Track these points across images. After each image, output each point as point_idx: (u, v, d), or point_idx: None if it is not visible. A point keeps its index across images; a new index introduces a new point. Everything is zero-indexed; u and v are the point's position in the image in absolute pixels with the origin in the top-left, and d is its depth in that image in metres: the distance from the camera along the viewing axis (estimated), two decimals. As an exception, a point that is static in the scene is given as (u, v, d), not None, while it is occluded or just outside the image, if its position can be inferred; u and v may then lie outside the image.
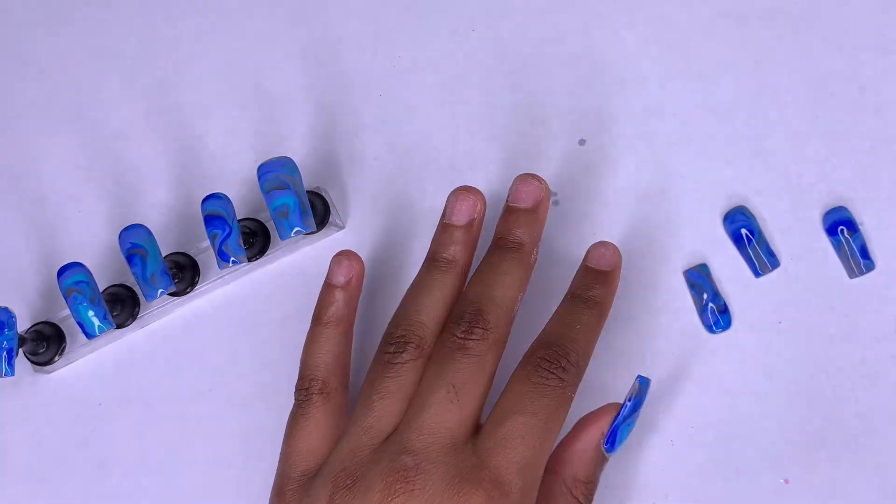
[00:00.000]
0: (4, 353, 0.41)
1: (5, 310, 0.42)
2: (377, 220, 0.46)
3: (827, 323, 0.44)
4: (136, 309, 0.45)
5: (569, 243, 0.45)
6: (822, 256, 0.45)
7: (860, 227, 0.44)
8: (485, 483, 0.36)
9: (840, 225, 0.44)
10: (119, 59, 0.49)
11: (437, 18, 0.48)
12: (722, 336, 0.44)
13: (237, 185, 0.47)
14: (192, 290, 0.45)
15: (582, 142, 0.46)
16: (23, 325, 0.46)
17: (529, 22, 0.47)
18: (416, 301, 0.40)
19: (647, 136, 0.46)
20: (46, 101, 0.49)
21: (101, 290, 0.44)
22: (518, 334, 0.41)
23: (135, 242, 0.42)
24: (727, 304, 0.44)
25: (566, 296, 0.41)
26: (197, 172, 0.47)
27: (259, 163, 0.44)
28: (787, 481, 0.43)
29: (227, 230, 0.42)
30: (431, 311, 0.40)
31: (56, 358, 0.45)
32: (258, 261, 0.45)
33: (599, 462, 0.39)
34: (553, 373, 0.38)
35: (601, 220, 0.45)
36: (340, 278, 0.42)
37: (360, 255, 0.45)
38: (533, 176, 0.42)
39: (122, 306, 0.45)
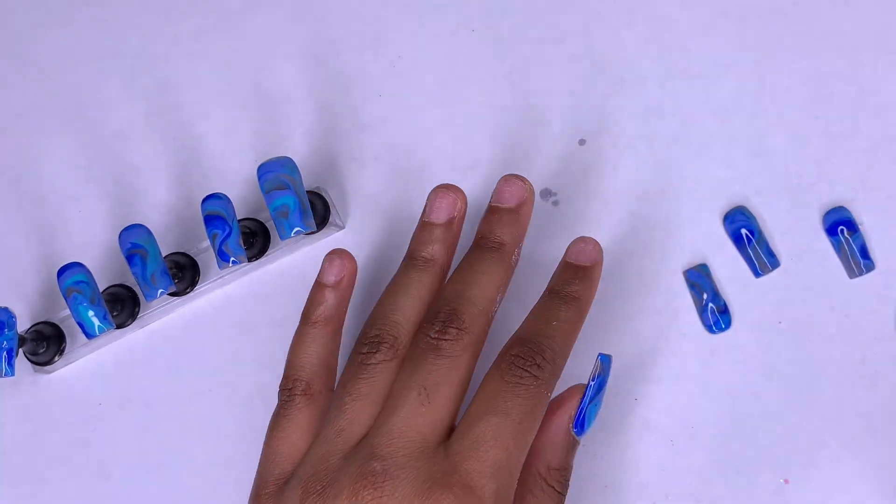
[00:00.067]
0: (4, 353, 0.41)
1: (5, 310, 0.42)
2: (377, 220, 0.46)
3: (827, 323, 0.44)
4: (136, 309, 0.45)
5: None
6: (822, 256, 0.45)
7: (860, 227, 0.44)
8: (456, 488, 0.35)
9: (840, 225, 0.44)
10: (119, 59, 0.49)
11: (437, 18, 0.48)
12: (722, 336, 0.44)
13: (237, 185, 0.47)
14: (192, 290, 0.45)
15: (582, 142, 0.46)
16: (23, 325, 0.46)
17: (529, 22, 0.48)
18: (392, 300, 0.39)
19: (647, 136, 0.46)
20: (46, 101, 0.49)
21: (101, 290, 0.44)
22: (509, 335, 0.40)
23: (135, 242, 0.42)
24: (727, 304, 0.44)
25: (545, 292, 0.40)
26: (197, 172, 0.47)
27: (259, 163, 0.44)
28: (787, 481, 0.43)
29: (227, 230, 0.42)
30: (407, 310, 0.39)
31: (56, 358, 0.45)
32: (258, 261, 0.45)
33: (571, 447, 0.38)
34: (528, 370, 0.37)
35: (601, 220, 0.45)
36: (331, 278, 0.41)
37: (359, 255, 0.45)
38: (517, 176, 0.41)
39: (122, 306, 0.45)
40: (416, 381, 0.37)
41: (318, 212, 0.45)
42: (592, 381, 0.38)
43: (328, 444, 0.37)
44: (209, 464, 0.45)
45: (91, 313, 0.42)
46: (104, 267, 0.47)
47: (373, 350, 0.38)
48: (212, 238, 0.42)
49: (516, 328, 0.40)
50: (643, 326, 0.44)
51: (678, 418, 0.44)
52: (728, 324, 0.44)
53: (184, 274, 0.45)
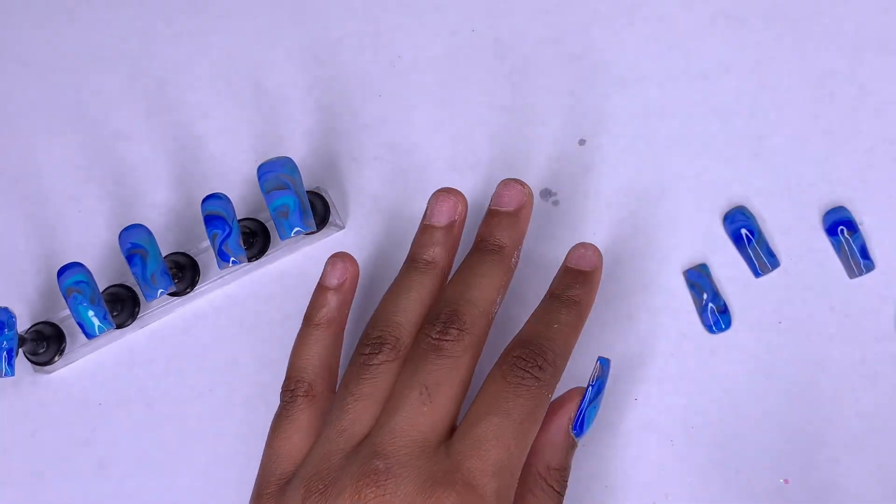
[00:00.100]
0: (4, 353, 0.41)
1: (5, 310, 0.42)
2: (377, 220, 0.46)
3: (827, 323, 0.44)
4: (136, 309, 0.45)
5: (568, 243, 0.45)
6: (822, 256, 0.45)
7: (860, 227, 0.44)
8: (458, 486, 0.35)
9: (840, 225, 0.44)
10: (119, 59, 0.49)
11: (437, 18, 0.48)
12: (722, 336, 0.44)
13: (237, 185, 0.47)
14: (192, 290, 0.45)
15: (582, 142, 0.46)
16: (23, 325, 0.46)
17: (529, 22, 0.48)
18: (394, 302, 0.40)
19: (647, 136, 0.46)
20: (46, 101, 0.49)
21: (101, 290, 0.44)
22: (510, 337, 0.40)
23: (135, 242, 0.42)
24: (727, 304, 0.44)
25: (546, 295, 0.41)
26: (197, 172, 0.47)
27: (259, 163, 0.44)
28: (787, 481, 0.43)
29: (227, 230, 0.42)
30: (409, 312, 0.39)
31: (56, 358, 0.45)
32: (258, 261, 0.45)
33: (570, 448, 0.39)
34: (529, 372, 0.37)
35: (601, 220, 0.45)
36: (334, 280, 0.42)
37: (359, 255, 0.45)
38: (516, 181, 0.42)
39: (122, 306, 0.45)
40: (418, 381, 0.37)
41: (318, 212, 0.45)
42: (592, 383, 0.39)
43: (330, 443, 0.37)
44: (209, 464, 0.45)
45: (91, 313, 0.42)
46: (104, 267, 0.47)
47: (375, 351, 0.39)
48: (212, 238, 0.42)
49: (516, 328, 0.40)
50: (643, 326, 0.45)
51: (678, 418, 0.44)
52: (728, 324, 0.44)
53: (184, 274, 0.45)
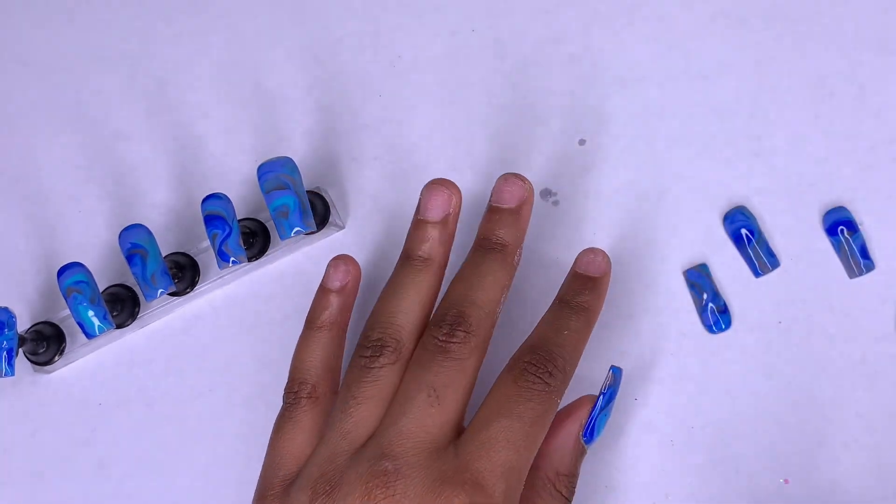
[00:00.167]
0: (4, 353, 0.41)
1: (5, 310, 0.42)
2: (377, 220, 0.46)
3: (827, 323, 0.44)
4: (136, 309, 0.45)
5: (568, 243, 0.45)
6: (822, 256, 0.45)
7: (860, 227, 0.44)
8: (467, 486, 0.35)
9: (840, 225, 0.44)
10: (119, 59, 0.49)
11: (437, 18, 0.48)
12: (722, 336, 0.44)
13: (237, 185, 0.47)
14: (192, 290, 0.45)
15: (582, 142, 0.46)
16: (23, 325, 0.46)
17: (529, 22, 0.47)
18: (392, 303, 0.40)
19: (647, 136, 0.46)
20: (46, 101, 0.49)
21: (101, 290, 0.44)
22: (511, 336, 0.41)
23: (135, 242, 0.42)
24: (727, 304, 0.44)
25: (555, 301, 0.41)
26: (197, 172, 0.47)
27: (259, 163, 0.44)
28: (787, 481, 0.43)
29: (227, 230, 0.42)
30: (408, 312, 0.39)
31: (56, 358, 0.45)
32: (258, 261, 0.45)
33: (579, 454, 0.39)
34: (539, 377, 0.37)
35: (601, 220, 0.45)
36: (336, 283, 0.42)
37: (359, 255, 0.45)
38: (516, 176, 0.41)
39: (122, 306, 0.45)
40: (425, 383, 0.37)
41: (318, 212, 0.45)
42: (603, 392, 0.39)
43: (334, 445, 0.37)
44: (209, 464, 0.45)
45: (91, 313, 0.42)
46: (104, 267, 0.47)
47: (376, 354, 0.39)
48: (212, 238, 0.42)
49: (515, 328, 0.40)
50: (643, 326, 0.45)
51: (678, 418, 0.44)
52: (728, 324, 0.44)
53: (184, 274, 0.45)
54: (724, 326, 0.44)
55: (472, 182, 0.46)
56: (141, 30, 0.49)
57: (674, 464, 0.43)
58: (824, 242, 0.45)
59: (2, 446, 0.46)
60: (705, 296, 0.44)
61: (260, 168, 0.42)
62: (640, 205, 0.45)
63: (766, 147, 0.45)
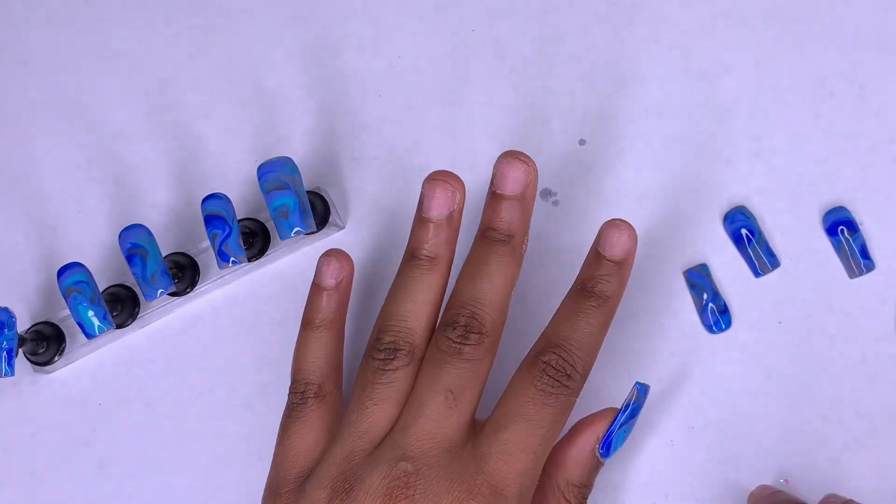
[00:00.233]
0: (4, 353, 0.41)
1: (5, 310, 0.42)
2: (377, 220, 0.46)
3: (827, 323, 0.44)
4: (136, 309, 0.45)
5: (568, 243, 0.45)
6: (822, 256, 0.45)
7: (860, 227, 0.44)
8: (483, 489, 0.36)
9: (840, 225, 0.44)
10: (119, 59, 0.49)
11: (437, 18, 0.48)
12: (722, 336, 0.44)
13: (237, 185, 0.47)
14: (192, 290, 0.45)
15: (582, 142, 0.46)
16: (23, 325, 0.46)
17: (529, 22, 0.47)
18: (402, 305, 0.39)
19: (647, 136, 0.46)
20: (46, 101, 0.49)
21: (101, 290, 0.44)
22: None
23: (135, 242, 0.42)
24: (727, 304, 0.44)
25: (576, 287, 0.39)
26: (197, 172, 0.47)
27: (259, 163, 0.44)
28: (786, 481, 0.43)
29: (227, 230, 0.42)
30: (420, 315, 0.39)
31: (56, 358, 0.45)
32: (258, 261, 0.45)
33: (594, 467, 0.39)
34: (559, 380, 0.37)
35: (601, 220, 0.45)
36: (331, 280, 0.41)
37: (359, 255, 0.45)
38: (518, 158, 0.39)
39: (122, 306, 0.45)
40: (442, 385, 0.37)
41: (318, 212, 0.45)
42: (626, 407, 0.39)
43: (351, 444, 0.37)
44: (209, 464, 0.45)
45: (91, 313, 0.42)
46: (104, 267, 0.47)
47: (390, 357, 0.38)
48: (212, 238, 0.42)
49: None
50: (643, 326, 0.44)
51: (678, 418, 0.44)
52: (728, 324, 0.44)
53: (184, 274, 0.45)
54: (724, 326, 0.44)
55: (471, 182, 0.46)
56: (141, 30, 0.49)
57: (674, 464, 0.43)
58: (824, 242, 0.45)
59: (2, 446, 0.46)
60: (705, 296, 0.44)
61: (260, 168, 0.42)
62: (640, 205, 0.45)
63: (766, 147, 0.45)
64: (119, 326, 0.45)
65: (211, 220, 0.42)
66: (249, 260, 0.45)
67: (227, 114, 0.48)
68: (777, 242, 0.45)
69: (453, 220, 0.40)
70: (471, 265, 0.39)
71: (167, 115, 0.48)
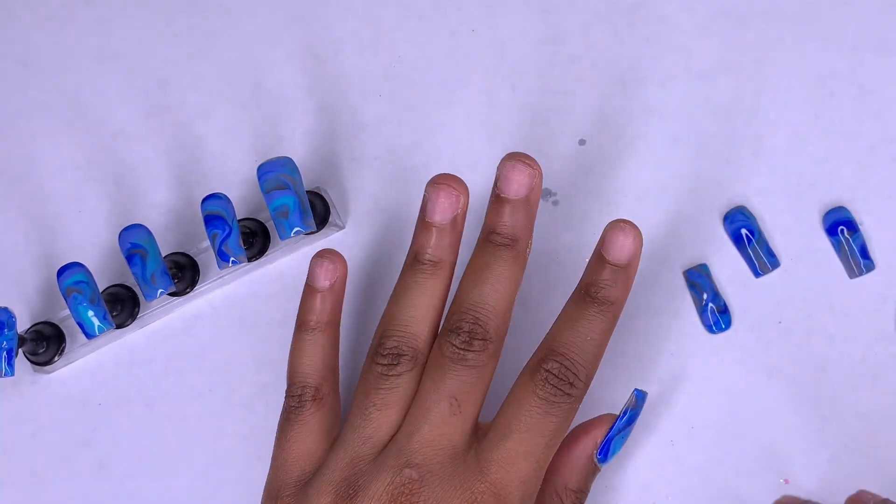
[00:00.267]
0: (4, 353, 0.41)
1: (5, 310, 0.42)
2: (377, 220, 0.46)
3: (827, 323, 0.44)
4: (136, 309, 0.45)
5: (569, 244, 0.45)
6: (822, 256, 0.45)
7: (860, 227, 0.44)
8: (486, 496, 0.36)
9: (840, 225, 0.44)
10: (119, 59, 0.49)
11: (437, 18, 0.48)
12: (722, 336, 0.44)
13: (237, 185, 0.47)
14: (192, 290, 0.45)
15: (582, 142, 0.46)
16: (23, 325, 0.46)
17: (529, 22, 0.47)
18: (405, 310, 0.39)
19: (647, 136, 0.46)
20: (46, 101, 0.49)
21: (101, 290, 0.44)
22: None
23: (135, 242, 0.42)
24: (727, 304, 0.44)
25: (579, 291, 0.39)
26: (197, 172, 0.47)
27: (259, 163, 0.44)
28: (786, 481, 0.43)
29: (227, 230, 0.42)
30: (423, 320, 0.39)
31: (56, 358, 0.45)
32: (258, 261, 0.45)
33: (591, 472, 0.39)
34: (562, 390, 0.37)
35: (601, 220, 0.45)
36: (325, 282, 0.41)
37: (359, 255, 0.45)
38: (522, 160, 0.38)
39: (122, 306, 0.45)
40: (446, 392, 0.37)
41: (318, 212, 0.45)
42: (624, 413, 0.39)
43: (355, 449, 0.37)
44: (209, 464, 0.45)
45: (91, 313, 0.42)
46: (104, 267, 0.47)
47: (393, 363, 0.38)
48: (212, 238, 0.42)
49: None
50: (643, 326, 0.45)
51: (678, 418, 0.44)
52: (728, 324, 0.44)
53: (184, 274, 0.45)
54: (724, 326, 0.44)
55: (471, 182, 0.46)
56: (141, 30, 0.49)
57: (674, 464, 0.43)
58: (824, 242, 0.45)
59: (2, 446, 0.46)
60: (705, 296, 0.44)
61: (260, 168, 0.42)
62: (640, 205, 0.45)
63: (766, 147, 0.45)
64: (119, 326, 0.45)
65: (211, 220, 0.42)
66: (249, 260, 0.45)
67: (227, 114, 0.48)
68: (777, 242, 0.45)
69: (457, 224, 0.39)
70: (474, 270, 0.39)
71: (167, 115, 0.48)
